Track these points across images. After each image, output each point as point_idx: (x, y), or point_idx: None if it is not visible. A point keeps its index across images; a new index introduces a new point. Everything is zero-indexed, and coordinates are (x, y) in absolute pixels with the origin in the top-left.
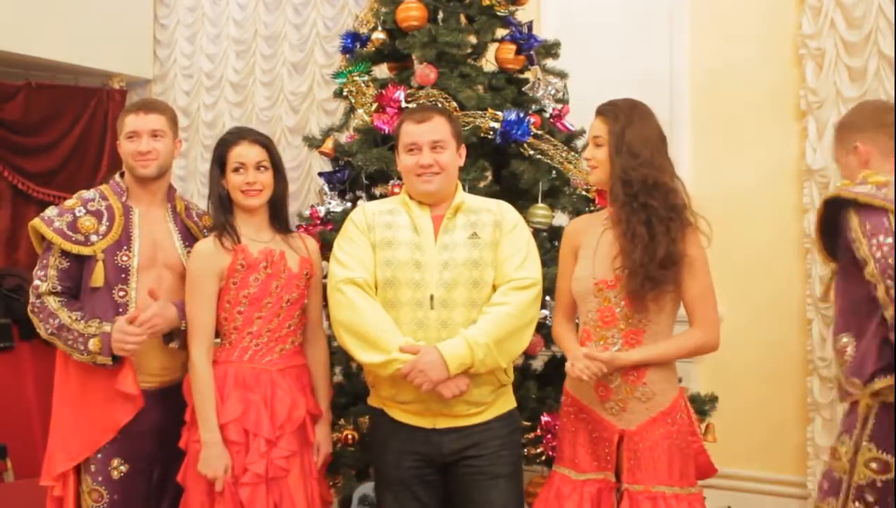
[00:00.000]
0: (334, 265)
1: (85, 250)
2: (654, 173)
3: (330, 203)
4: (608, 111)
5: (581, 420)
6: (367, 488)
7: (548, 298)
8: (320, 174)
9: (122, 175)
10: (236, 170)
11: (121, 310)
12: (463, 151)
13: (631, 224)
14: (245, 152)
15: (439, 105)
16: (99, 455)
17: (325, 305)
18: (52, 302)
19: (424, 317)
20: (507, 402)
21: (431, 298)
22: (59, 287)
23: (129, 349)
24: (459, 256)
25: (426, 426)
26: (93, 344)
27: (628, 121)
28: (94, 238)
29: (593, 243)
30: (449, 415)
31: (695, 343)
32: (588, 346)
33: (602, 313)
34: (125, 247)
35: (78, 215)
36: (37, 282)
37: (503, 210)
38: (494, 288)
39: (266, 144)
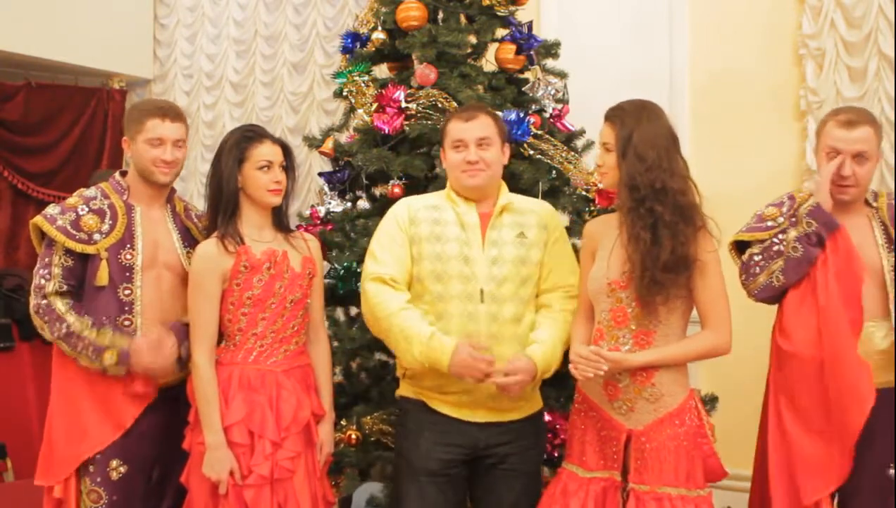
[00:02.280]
0: (368, 259)
1: (89, 249)
2: (662, 177)
3: (330, 203)
4: (616, 116)
5: (590, 419)
6: (371, 488)
7: None
8: (320, 174)
9: (122, 174)
10: (262, 168)
11: (126, 309)
12: (507, 149)
13: (635, 229)
14: (271, 152)
15: (439, 105)
16: (98, 456)
17: (328, 305)
18: (60, 305)
19: (475, 310)
20: (539, 401)
21: (482, 292)
22: (65, 286)
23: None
24: (508, 253)
25: (466, 419)
26: (109, 358)
27: (636, 124)
28: (97, 236)
29: (609, 243)
30: (493, 409)
31: (706, 346)
32: (600, 345)
33: (614, 313)
34: (129, 245)
35: (80, 213)
36: (41, 281)
37: (549, 214)
38: (541, 289)
39: (283, 144)
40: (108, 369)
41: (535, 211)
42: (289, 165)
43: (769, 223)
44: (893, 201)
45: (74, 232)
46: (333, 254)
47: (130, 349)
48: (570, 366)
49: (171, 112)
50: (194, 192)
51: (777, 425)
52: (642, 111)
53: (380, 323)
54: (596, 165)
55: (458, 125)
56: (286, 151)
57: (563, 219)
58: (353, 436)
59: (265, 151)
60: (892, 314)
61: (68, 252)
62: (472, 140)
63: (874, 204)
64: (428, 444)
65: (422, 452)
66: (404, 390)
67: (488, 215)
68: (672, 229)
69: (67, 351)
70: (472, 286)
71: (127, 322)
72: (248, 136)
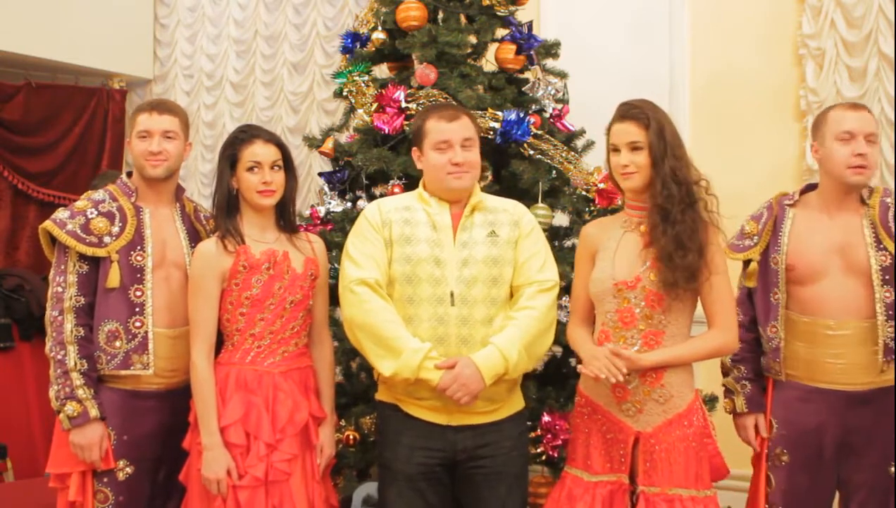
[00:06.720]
0: (347, 264)
1: (99, 252)
2: (693, 172)
3: (330, 203)
4: (638, 115)
5: (595, 422)
6: (370, 488)
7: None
8: (320, 174)
9: (129, 175)
10: (251, 169)
11: (137, 310)
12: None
13: (685, 224)
14: (260, 151)
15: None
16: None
17: (328, 305)
18: (68, 331)
19: (445, 313)
20: (519, 401)
21: (452, 294)
22: (82, 299)
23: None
24: (479, 253)
25: (441, 423)
26: (71, 409)
27: (664, 121)
28: (107, 239)
29: (613, 244)
30: (466, 412)
31: (714, 345)
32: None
33: (622, 313)
34: (139, 247)
35: (90, 216)
36: (58, 289)
37: (520, 211)
38: (512, 287)
39: (280, 143)
40: (62, 417)
41: (507, 209)
42: (287, 165)
43: (747, 243)
44: (890, 200)
45: (84, 236)
46: (333, 254)
47: (86, 427)
48: (581, 367)
49: (161, 106)
50: (195, 191)
51: None
52: (658, 109)
53: (367, 327)
54: (622, 165)
55: (441, 125)
56: (282, 149)
57: (563, 219)
58: (352, 437)
59: (253, 152)
60: (880, 313)
61: (82, 257)
62: (458, 141)
63: (867, 201)
64: (405, 449)
65: (400, 456)
66: (382, 394)
67: (460, 216)
68: (700, 217)
69: (50, 372)
70: (441, 289)
71: (138, 324)
72: (240, 137)
